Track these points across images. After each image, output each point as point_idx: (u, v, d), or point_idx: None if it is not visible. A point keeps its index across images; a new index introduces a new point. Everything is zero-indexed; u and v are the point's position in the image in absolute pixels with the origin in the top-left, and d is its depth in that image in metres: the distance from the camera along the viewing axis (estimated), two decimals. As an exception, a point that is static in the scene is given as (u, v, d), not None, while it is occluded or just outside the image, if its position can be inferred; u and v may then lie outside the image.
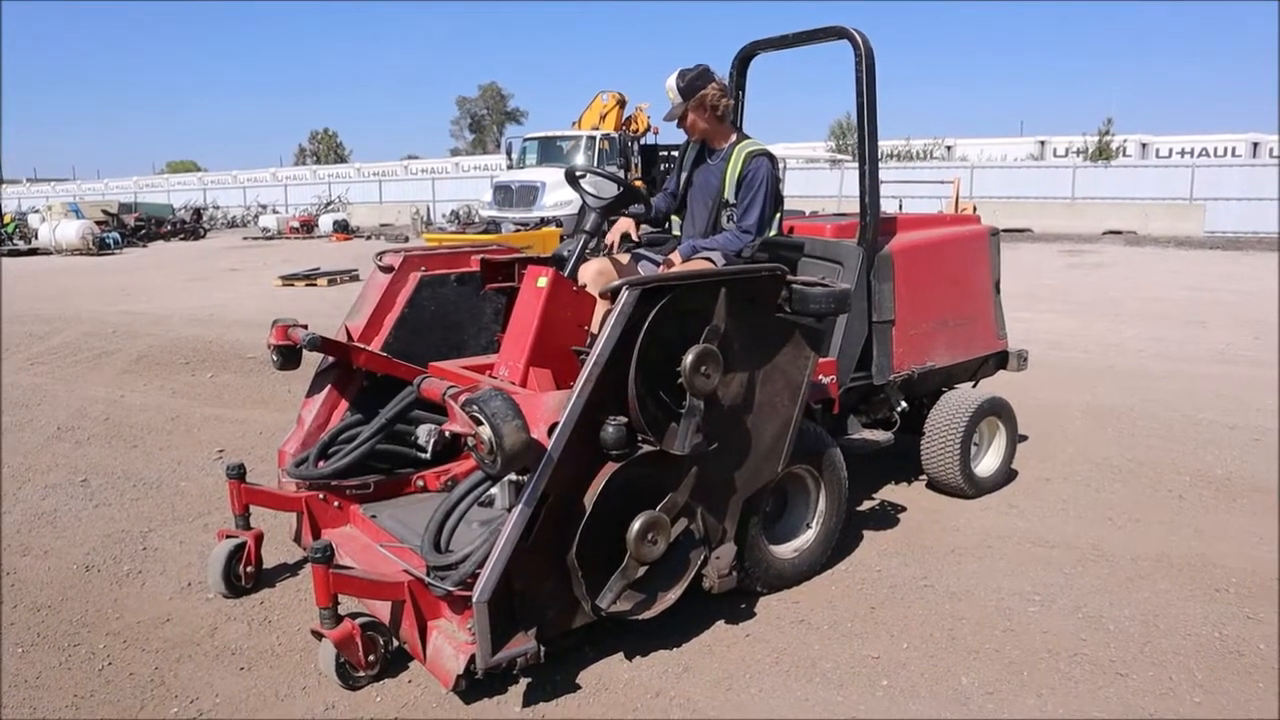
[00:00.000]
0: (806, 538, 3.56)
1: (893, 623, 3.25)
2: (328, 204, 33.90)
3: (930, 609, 3.35)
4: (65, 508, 4.49)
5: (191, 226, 29.50)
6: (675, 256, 3.81)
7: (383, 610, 2.93)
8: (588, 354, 3.49)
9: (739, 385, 3.05)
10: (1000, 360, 4.99)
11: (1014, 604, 3.38)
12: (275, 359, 3.66)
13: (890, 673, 2.93)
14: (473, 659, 2.59)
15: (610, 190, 3.89)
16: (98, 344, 9.19)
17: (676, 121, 3.92)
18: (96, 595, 3.54)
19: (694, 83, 3.80)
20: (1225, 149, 30.34)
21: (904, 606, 3.38)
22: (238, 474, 3.46)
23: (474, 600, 2.55)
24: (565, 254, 3.81)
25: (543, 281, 3.41)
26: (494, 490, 3.30)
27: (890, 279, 4.11)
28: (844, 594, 3.48)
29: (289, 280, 14.48)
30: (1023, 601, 3.40)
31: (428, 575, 2.73)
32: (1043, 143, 34.17)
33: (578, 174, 3.95)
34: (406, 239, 24.16)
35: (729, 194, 3.89)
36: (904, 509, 4.34)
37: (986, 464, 4.62)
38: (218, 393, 7.05)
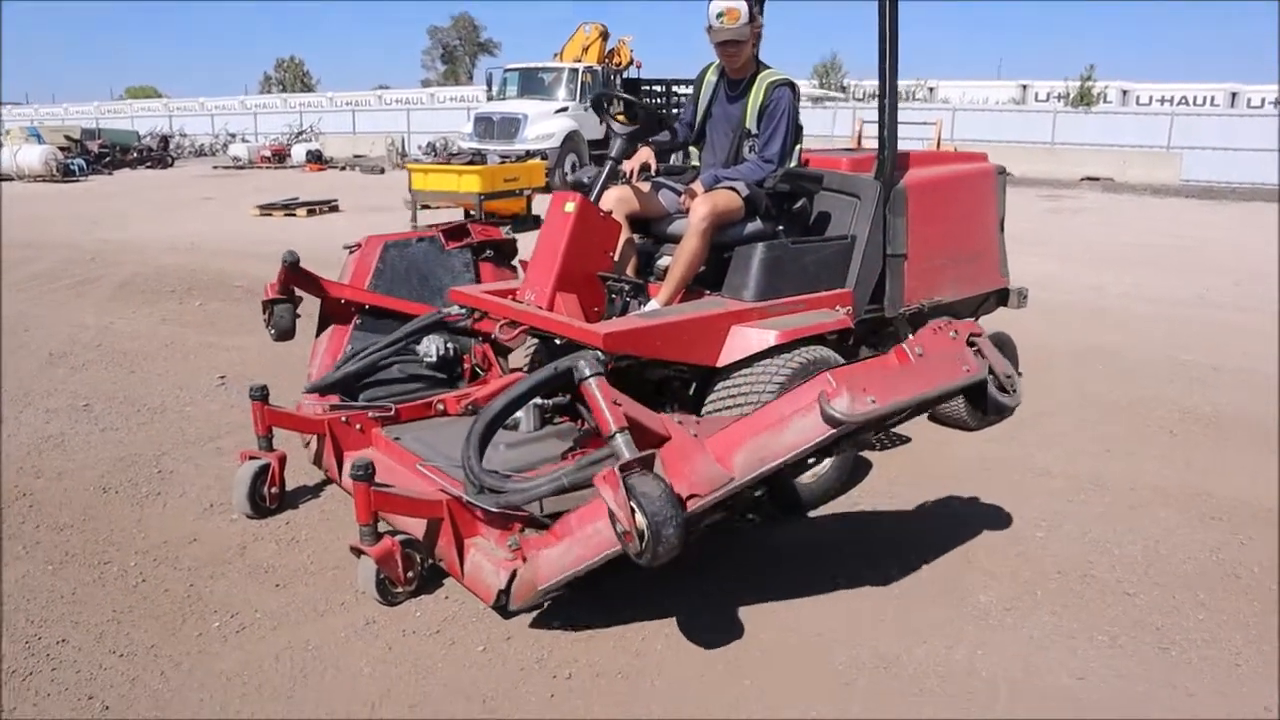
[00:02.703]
0: (823, 465, 3.63)
1: (907, 546, 3.35)
2: (299, 134, 32.99)
3: (943, 534, 3.46)
4: (72, 431, 4.46)
5: (159, 154, 28.56)
6: (697, 186, 3.79)
7: (416, 529, 2.98)
8: (620, 282, 3.51)
9: None
10: (1001, 297, 5.06)
11: (1022, 529, 3.51)
12: (273, 331, 3.85)
13: (909, 591, 3.04)
14: (514, 575, 2.65)
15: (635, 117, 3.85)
16: (78, 271, 9.01)
17: (730, 39, 3.68)
18: (118, 516, 3.55)
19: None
20: (1204, 98, 30.51)
21: (916, 534, 3.49)
22: (261, 396, 3.46)
23: (541, 588, 2.60)
24: (586, 180, 3.79)
25: (570, 206, 3.40)
26: (519, 414, 3.35)
27: (904, 213, 4.13)
28: (858, 518, 3.59)
29: (267, 210, 14.17)
30: (1030, 527, 3.53)
31: (471, 493, 2.77)
32: (1024, 87, 34.15)
33: (606, 100, 3.90)
34: (382, 170, 23.67)
35: (750, 124, 3.87)
36: (909, 440, 4.45)
37: (988, 398, 4.71)
38: (209, 320, 6.98)
